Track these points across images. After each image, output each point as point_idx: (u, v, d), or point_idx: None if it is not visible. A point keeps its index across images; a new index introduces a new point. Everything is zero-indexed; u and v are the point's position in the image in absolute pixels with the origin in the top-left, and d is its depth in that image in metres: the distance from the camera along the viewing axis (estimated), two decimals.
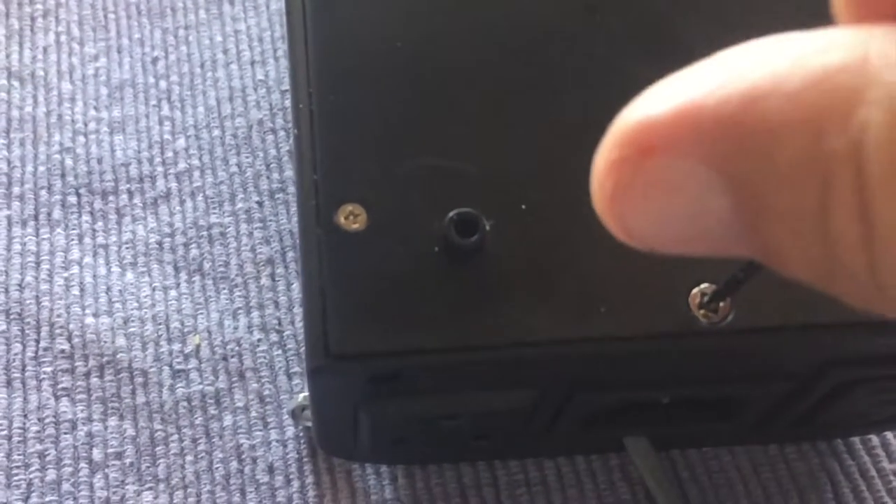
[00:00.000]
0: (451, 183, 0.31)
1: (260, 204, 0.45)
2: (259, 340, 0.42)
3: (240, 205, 0.45)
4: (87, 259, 0.44)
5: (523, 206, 0.31)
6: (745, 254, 0.16)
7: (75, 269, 0.44)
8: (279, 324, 0.42)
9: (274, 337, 0.42)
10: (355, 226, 0.31)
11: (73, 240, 0.44)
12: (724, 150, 0.15)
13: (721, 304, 0.29)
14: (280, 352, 0.42)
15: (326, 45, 0.33)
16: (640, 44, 0.33)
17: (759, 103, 0.15)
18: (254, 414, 0.41)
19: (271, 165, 0.46)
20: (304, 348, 0.38)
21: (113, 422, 0.41)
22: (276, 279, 0.43)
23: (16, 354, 0.42)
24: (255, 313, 0.43)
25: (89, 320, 0.42)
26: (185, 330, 0.42)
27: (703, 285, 0.29)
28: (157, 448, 0.40)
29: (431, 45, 0.33)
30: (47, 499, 0.39)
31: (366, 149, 0.32)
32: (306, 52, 0.33)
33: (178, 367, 0.42)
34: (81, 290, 0.43)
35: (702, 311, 0.29)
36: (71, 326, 0.42)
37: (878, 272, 0.14)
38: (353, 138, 0.32)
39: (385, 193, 0.31)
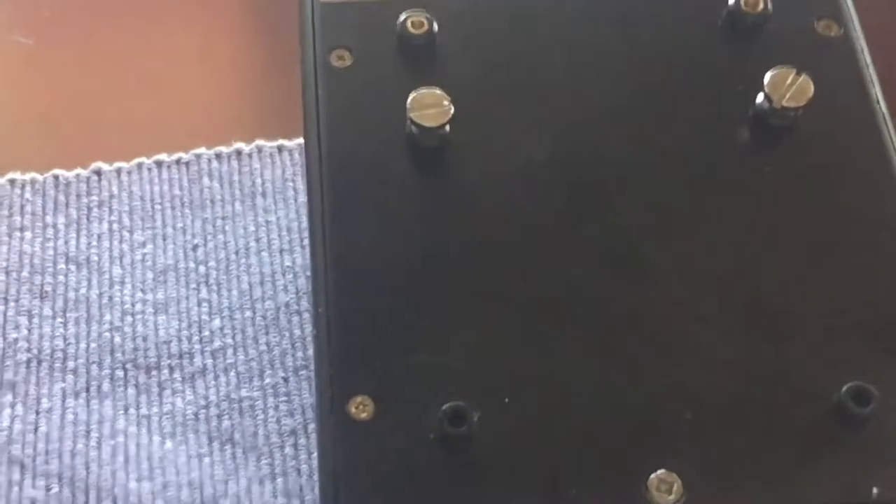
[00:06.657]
0: (445, 378, 0.37)
1: (286, 380, 0.50)
2: None
3: (268, 380, 0.50)
4: (132, 429, 0.49)
5: (506, 400, 0.36)
6: None
7: (121, 438, 0.49)
8: (301, 490, 0.47)
9: (296, 502, 0.47)
10: (364, 415, 0.36)
11: (119, 411, 0.50)
12: None
13: (674, 485, 0.34)
14: None
15: (341, 257, 0.39)
16: (612, 267, 0.39)
17: None
18: None
19: (296, 344, 0.51)
20: None
21: None
22: (299, 448, 0.48)
23: None
24: (280, 480, 0.48)
25: (132, 485, 0.47)
26: (217, 495, 0.47)
27: (661, 472, 0.34)
28: None
29: (429, 258, 0.39)
30: None
31: (374, 347, 0.37)
32: (325, 263, 0.39)
33: None
34: (126, 457, 0.48)
35: (658, 494, 0.34)
36: (116, 491, 0.47)
37: None
38: (363, 338, 0.38)
39: (390, 387, 0.36)
